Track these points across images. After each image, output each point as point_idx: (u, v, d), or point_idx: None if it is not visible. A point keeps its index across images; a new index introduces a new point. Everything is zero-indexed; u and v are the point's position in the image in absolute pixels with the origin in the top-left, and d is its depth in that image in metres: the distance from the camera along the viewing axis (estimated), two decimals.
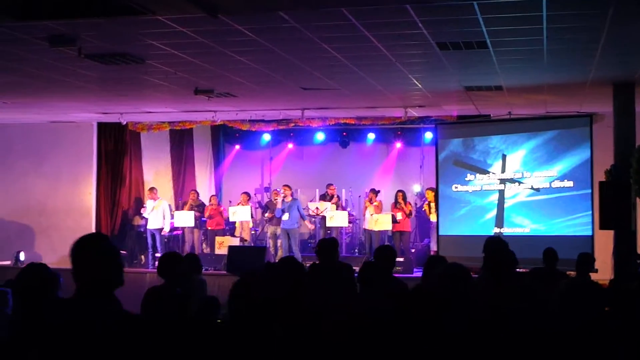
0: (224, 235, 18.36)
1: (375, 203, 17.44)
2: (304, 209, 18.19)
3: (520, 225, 15.36)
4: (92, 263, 3.88)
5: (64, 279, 6.19)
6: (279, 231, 17.63)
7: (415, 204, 18.77)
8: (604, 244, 13.31)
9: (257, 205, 20.30)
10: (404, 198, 17.49)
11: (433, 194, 17.03)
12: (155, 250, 17.81)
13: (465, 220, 16.01)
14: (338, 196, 18.66)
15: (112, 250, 3.96)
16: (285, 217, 17.17)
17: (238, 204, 18.69)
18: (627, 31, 8.94)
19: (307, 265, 9.67)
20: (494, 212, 15.74)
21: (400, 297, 6.68)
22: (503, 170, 15.63)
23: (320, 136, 20.06)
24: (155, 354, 4.12)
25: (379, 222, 17.23)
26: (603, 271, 12.06)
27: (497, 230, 15.45)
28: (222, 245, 17.50)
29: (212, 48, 9.74)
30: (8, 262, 17.28)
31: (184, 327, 5.04)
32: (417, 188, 20.19)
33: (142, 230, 19.17)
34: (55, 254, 17.91)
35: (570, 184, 14.83)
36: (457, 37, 9.21)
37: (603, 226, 12.29)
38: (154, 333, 4.39)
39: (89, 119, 18.20)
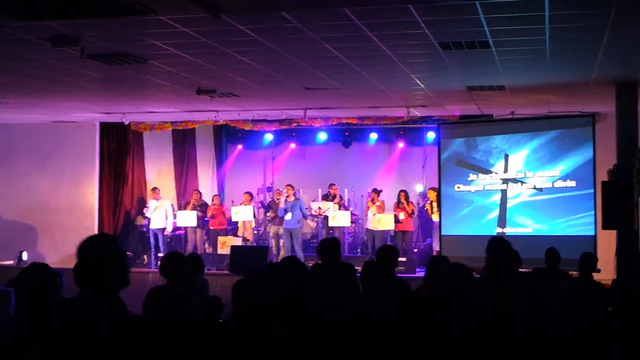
0: (226, 235, 18.36)
1: (377, 203, 17.43)
2: (306, 208, 18.20)
3: (522, 225, 15.36)
4: (98, 263, 3.89)
5: (66, 278, 6.21)
6: (281, 231, 17.63)
7: (418, 203, 18.76)
8: (607, 244, 13.30)
9: (260, 205, 20.29)
10: (406, 198, 17.47)
11: (435, 193, 17.03)
12: (157, 250, 17.81)
13: (468, 220, 16.01)
14: (340, 196, 18.65)
15: (118, 252, 3.97)
16: (288, 216, 17.17)
17: (240, 204, 18.69)
18: (629, 31, 8.93)
19: (310, 265, 9.68)
20: (496, 212, 15.74)
21: (403, 296, 6.69)
22: (505, 170, 15.63)
23: (322, 136, 20.05)
24: (158, 355, 4.12)
25: (382, 222, 17.23)
26: (605, 271, 12.05)
27: (499, 230, 15.45)
28: (225, 245, 17.50)
29: (214, 48, 9.74)
30: (11, 262, 17.31)
31: (186, 327, 5.05)
32: (419, 188, 20.18)
33: (144, 230, 19.17)
34: (58, 253, 17.95)
35: (572, 183, 14.83)
36: (460, 37, 9.21)
37: (606, 226, 12.29)
38: (157, 333, 4.39)
39: (91, 118, 18.22)
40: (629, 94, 12.69)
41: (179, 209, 19.18)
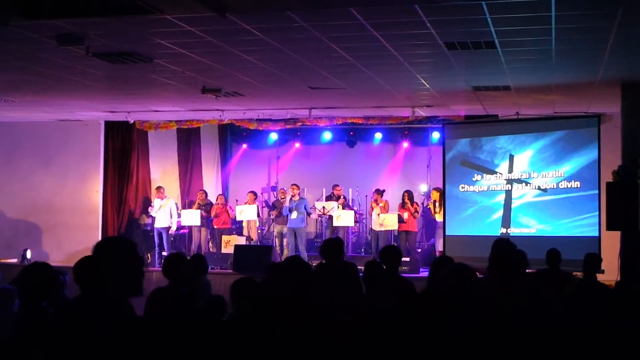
0: (230, 234, 18.36)
1: (381, 204, 17.41)
2: (311, 207, 18.20)
3: (527, 226, 15.35)
4: (113, 264, 3.88)
5: (70, 277, 6.21)
6: (285, 230, 17.65)
7: (422, 203, 18.75)
8: (611, 245, 13.29)
9: (264, 205, 20.31)
10: (410, 198, 17.47)
11: (439, 193, 17.01)
12: (162, 249, 17.83)
13: (472, 220, 16.00)
14: (344, 197, 18.65)
15: (137, 257, 3.97)
16: (294, 215, 17.19)
17: (245, 203, 18.70)
18: (636, 31, 8.91)
19: (314, 264, 9.67)
20: (500, 213, 15.73)
21: (407, 296, 6.68)
22: (510, 171, 15.62)
23: (327, 135, 20.07)
24: (162, 355, 4.13)
25: (385, 222, 17.22)
26: (609, 272, 12.03)
27: (503, 230, 15.44)
28: (229, 244, 17.52)
29: (220, 47, 9.75)
30: (15, 260, 17.32)
31: (190, 326, 5.05)
32: (424, 188, 20.18)
33: (148, 228, 19.19)
34: (62, 251, 17.98)
35: (577, 184, 14.81)
36: (466, 37, 9.20)
37: (610, 227, 12.27)
38: (160, 334, 4.40)
39: (96, 117, 18.23)
40: (635, 94, 12.67)
41: (183, 207, 19.19)
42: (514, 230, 15.31)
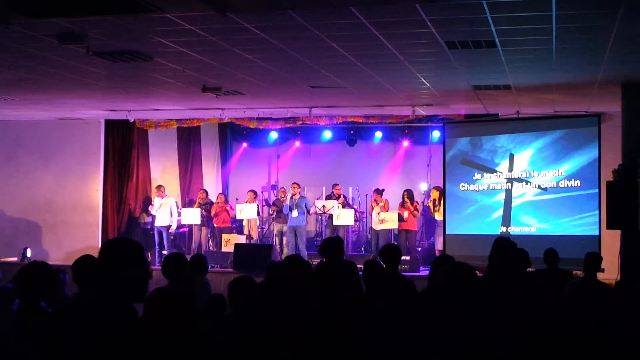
0: (230, 233, 18.37)
1: (381, 203, 17.41)
2: (311, 206, 18.22)
3: (527, 225, 15.36)
4: (124, 268, 3.87)
5: (69, 275, 6.22)
6: (285, 228, 17.66)
7: (423, 202, 18.76)
8: (611, 244, 13.30)
9: (264, 203, 20.32)
10: (410, 197, 17.47)
11: (438, 192, 17.01)
12: (162, 247, 17.84)
13: (472, 219, 16.01)
14: (344, 196, 18.65)
15: (144, 261, 3.98)
16: (295, 213, 17.20)
17: (245, 202, 18.70)
18: (636, 31, 8.91)
19: (314, 263, 9.67)
20: (500, 212, 15.74)
21: (407, 295, 6.69)
22: (510, 170, 15.62)
23: (327, 134, 20.07)
24: (160, 355, 4.12)
25: (386, 220, 17.22)
26: (610, 271, 12.04)
27: (503, 229, 15.45)
28: (229, 242, 17.53)
29: (220, 46, 9.74)
30: (15, 259, 17.32)
31: (189, 326, 5.05)
32: (424, 187, 20.19)
33: (148, 227, 19.20)
34: (62, 250, 17.99)
35: (577, 183, 14.82)
36: (466, 36, 9.20)
37: (610, 226, 12.27)
38: (158, 334, 4.39)
39: (96, 116, 18.23)
40: (635, 94, 12.67)
41: (184, 206, 19.19)
42: (514, 229, 15.32)
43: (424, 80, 12.49)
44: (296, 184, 17.67)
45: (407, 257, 15.80)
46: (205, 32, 8.97)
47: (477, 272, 5.24)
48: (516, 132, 15.79)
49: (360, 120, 18.13)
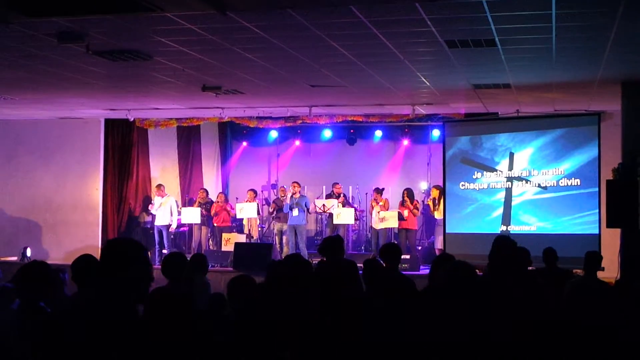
0: (231, 232, 18.36)
1: (381, 202, 17.41)
2: (311, 205, 18.24)
3: (527, 224, 15.36)
4: (129, 265, 3.87)
5: (69, 275, 6.22)
6: (285, 227, 17.66)
7: (423, 201, 18.76)
8: (611, 243, 13.30)
9: (264, 202, 20.32)
10: (410, 196, 17.46)
11: (438, 191, 17.01)
12: (162, 246, 17.83)
13: (472, 218, 16.01)
14: (344, 195, 18.66)
15: (146, 259, 3.98)
16: (295, 212, 17.20)
17: (245, 201, 18.69)
18: (636, 30, 8.91)
19: (314, 262, 9.66)
20: (500, 210, 15.74)
21: (407, 294, 6.69)
22: (510, 168, 15.62)
23: (327, 133, 20.05)
24: (159, 355, 4.12)
25: (385, 219, 17.22)
26: (610, 270, 12.04)
27: (503, 228, 15.45)
28: (229, 242, 17.53)
29: (220, 45, 9.74)
30: (15, 258, 17.32)
31: (189, 325, 5.05)
32: (424, 186, 20.18)
33: (148, 226, 19.21)
34: (62, 249, 17.98)
35: (577, 182, 14.82)
36: (466, 35, 9.20)
37: (610, 224, 12.28)
38: (158, 334, 4.39)
39: (96, 115, 18.22)
40: (635, 92, 12.67)
41: (184, 205, 19.19)
42: (514, 228, 15.32)
43: (424, 79, 12.49)
44: (296, 182, 17.66)
45: (407, 256, 15.80)
46: (205, 31, 8.97)
47: (477, 271, 5.24)
48: (516, 130, 15.79)
49: (360, 119, 18.12)
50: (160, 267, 7.60)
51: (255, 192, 19.04)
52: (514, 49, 10.02)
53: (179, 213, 18.42)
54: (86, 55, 10.05)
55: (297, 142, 21.30)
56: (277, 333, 4.68)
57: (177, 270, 7.44)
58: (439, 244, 16.76)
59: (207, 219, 18.60)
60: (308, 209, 17.61)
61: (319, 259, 9.11)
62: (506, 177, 15.68)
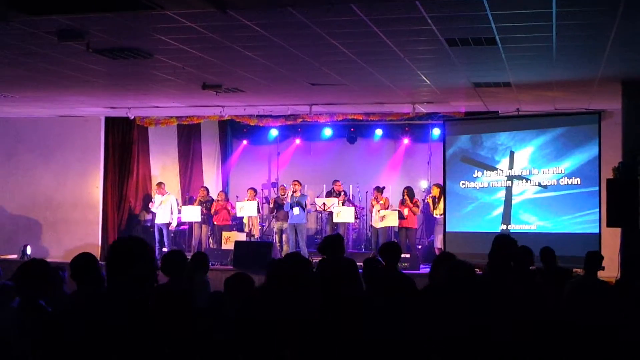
0: (231, 230, 18.36)
1: (381, 201, 17.41)
2: (311, 204, 18.23)
3: (527, 223, 15.36)
4: (134, 263, 3.87)
5: (68, 273, 6.22)
6: (285, 226, 17.66)
7: (423, 200, 18.76)
8: (611, 242, 13.30)
9: (264, 201, 20.32)
10: (410, 194, 17.46)
11: (439, 190, 17.00)
12: (162, 245, 17.83)
13: (472, 216, 16.01)
14: (345, 192, 18.66)
15: (151, 257, 3.98)
16: (296, 211, 17.19)
17: (245, 200, 18.68)
18: (637, 28, 8.90)
19: (314, 261, 9.66)
20: (501, 209, 15.74)
21: (406, 293, 6.69)
22: (511, 167, 15.62)
23: (327, 132, 20.04)
24: (159, 353, 4.12)
25: (386, 218, 17.22)
26: (610, 269, 12.03)
27: (504, 227, 15.45)
28: (229, 240, 17.52)
29: (220, 43, 9.74)
30: (15, 256, 17.32)
31: (189, 324, 5.05)
32: (424, 184, 20.18)
33: (148, 224, 19.21)
34: (62, 248, 17.98)
35: (577, 181, 14.81)
36: (466, 33, 9.20)
37: (610, 223, 12.27)
38: (157, 332, 4.39)
39: (96, 113, 18.22)
40: (636, 91, 12.66)
41: (184, 204, 19.19)
42: (514, 227, 15.32)
43: (424, 78, 12.49)
44: (297, 181, 17.65)
45: (408, 255, 15.79)
46: (206, 29, 8.96)
47: (476, 269, 5.24)
48: (516, 129, 15.79)
49: (361, 118, 18.11)
50: (160, 265, 7.59)
51: (255, 190, 19.04)
52: (515, 48, 10.02)
53: (179, 211, 18.43)
54: (86, 53, 10.04)
55: (298, 141, 21.28)
56: (276, 331, 4.67)
57: (177, 268, 7.43)
58: (438, 243, 16.76)
59: (207, 217, 18.60)
60: (304, 207, 17.54)
61: (320, 258, 9.10)
62: (506, 175, 15.68)
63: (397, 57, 10.59)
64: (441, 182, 16.85)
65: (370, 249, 17.75)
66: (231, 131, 22.05)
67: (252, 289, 6.31)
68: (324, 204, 18.17)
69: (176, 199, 18.76)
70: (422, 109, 16.50)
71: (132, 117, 17.96)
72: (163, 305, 4.74)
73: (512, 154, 15.63)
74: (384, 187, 17.94)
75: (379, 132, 19.97)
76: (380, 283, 6.97)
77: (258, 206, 18.74)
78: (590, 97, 14.39)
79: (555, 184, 15.09)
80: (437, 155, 18.64)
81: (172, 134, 20.69)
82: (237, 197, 19.72)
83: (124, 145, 19.21)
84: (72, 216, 18.89)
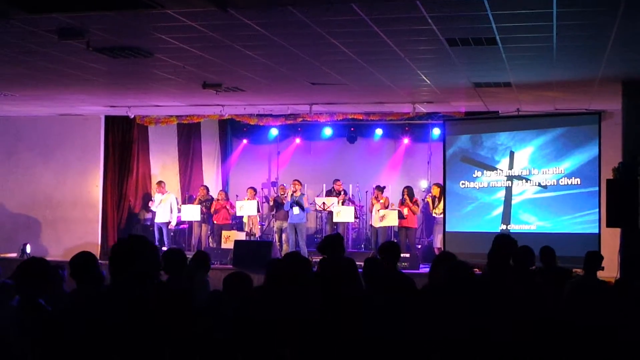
0: (231, 229, 18.36)
1: (381, 200, 17.41)
2: (310, 204, 18.23)
3: (527, 223, 15.35)
4: (135, 261, 3.87)
5: (67, 271, 6.21)
6: (285, 225, 17.65)
7: (423, 199, 18.76)
8: (611, 242, 13.29)
9: (264, 200, 20.32)
10: (410, 194, 17.46)
11: (439, 189, 17.00)
12: (162, 244, 17.83)
13: (472, 216, 16.00)
14: (345, 191, 18.65)
15: (152, 254, 3.99)
16: (296, 210, 17.19)
17: (245, 199, 18.68)
18: (637, 28, 8.90)
19: (314, 260, 9.65)
20: (500, 209, 15.73)
21: (406, 292, 6.68)
22: (511, 167, 15.61)
23: (327, 131, 20.04)
24: (159, 350, 4.12)
25: (385, 218, 17.21)
26: (609, 269, 12.03)
27: (503, 227, 15.44)
28: (229, 239, 17.51)
29: (221, 42, 9.73)
30: (14, 255, 17.32)
31: (189, 322, 5.04)
32: (424, 184, 20.19)
33: (148, 223, 19.21)
34: (61, 246, 17.97)
35: (577, 181, 14.80)
36: (467, 33, 9.19)
37: (610, 224, 12.27)
38: (157, 330, 4.39)
39: (96, 112, 18.21)
40: (636, 92, 12.65)
41: (184, 202, 19.19)
42: (514, 227, 15.31)
43: (425, 78, 12.49)
44: (297, 180, 17.65)
45: (407, 255, 15.80)
46: (206, 28, 8.96)
47: (476, 269, 5.24)
48: (516, 129, 15.78)
49: (361, 117, 18.11)
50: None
51: (255, 190, 19.03)
52: (515, 48, 10.01)
53: (179, 210, 18.43)
54: (86, 51, 10.04)
55: (298, 140, 21.27)
56: (276, 330, 4.67)
57: (177, 267, 7.42)
58: (437, 243, 16.76)
59: (207, 216, 18.60)
60: (302, 207, 17.50)
61: (319, 257, 9.09)
62: (506, 175, 15.67)
63: (397, 56, 10.59)
64: (441, 182, 16.84)
65: (370, 248, 17.75)
66: (231, 130, 22.05)
67: (251, 287, 6.30)
68: (323, 203, 18.17)
69: (176, 198, 18.76)
70: (422, 108, 16.50)
71: (132, 116, 17.96)
72: (163, 304, 4.73)
73: (512, 154, 15.63)
74: (384, 187, 17.94)
75: (379, 131, 19.96)
76: (380, 282, 6.96)
77: (258, 205, 18.74)
78: (590, 97, 14.39)
79: (555, 184, 15.09)
80: (437, 155, 18.64)
81: (172, 133, 20.69)
82: (237, 196, 19.71)
83: (124, 144, 19.21)
84: (72, 215, 18.89)
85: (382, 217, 17.20)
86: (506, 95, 14.28)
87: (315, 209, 18.68)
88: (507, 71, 11.73)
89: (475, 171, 15.99)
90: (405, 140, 20.32)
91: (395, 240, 16.25)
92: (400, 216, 17.14)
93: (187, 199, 19.55)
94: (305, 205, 17.57)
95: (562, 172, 14.99)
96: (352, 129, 20.16)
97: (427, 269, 7.67)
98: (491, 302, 5.40)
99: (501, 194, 15.72)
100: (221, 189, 20.21)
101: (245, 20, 8.50)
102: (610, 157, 13.47)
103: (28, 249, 17.12)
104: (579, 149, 14.81)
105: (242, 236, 17.87)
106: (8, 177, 19.32)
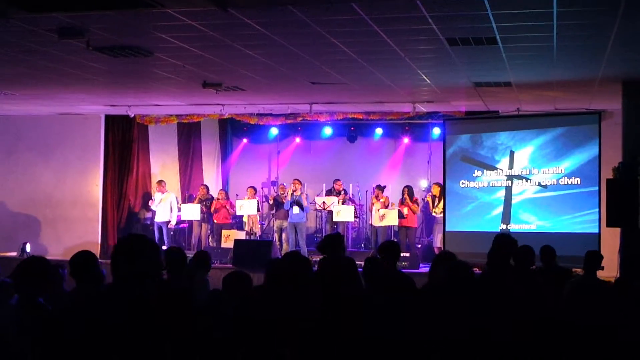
0: (231, 229, 18.36)
1: (382, 199, 17.41)
2: (310, 203, 18.23)
3: (527, 222, 15.35)
4: (135, 260, 3.87)
5: (67, 270, 6.21)
6: (285, 225, 17.64)
7: (423, 199, 18.76)
8: (611, 242, 13.29)
9: (264, 199, 20.31)
10: (410, 193, 17.46)
11: (439, 188, 17.00)
12: (162, 243, 17.82)
13: (472, 216, 16.00)
14: (345, 191, 18.65)
15: (153, 253, 3.99)
16: (296, 210, 17.18)
17: (245, 198, 18.67)
18: (637, 28, 8.90)
19: (314, 259, 9.64)
20: (500, 209, 15.72)
21: (406, 292, 6.68)
22: (511, 167, 15.61)
23: (328, 131, 20.03)
24: (158, 349, 4.12)
25: (386, 217, 17.21)
26: (609, 269, 12.03)
27: (503, 226, 15.44)
28: (229, 238, 17.51)
29: (221, 41, 9.73)
30: (14, 253, 17.32)
31: (187, 322, 5.05)
32: (424, 184, 20.19)
33: (148, 222, 19.20)
34: (61, 245, 17.96)
35: (577, 181, 14.80)
36: (467, 32, 9.19)
37: (610, 223, 12.27)
38: (157, 329, 4.39)
39: (96, 111, 18.21)
40: (636, 91, 12.66)
41: (184, 202, 19.19)
42: (514, 227, 15.31)
43: (425, 77, 12.48)
44: (297, 180, 17.65)
45: (407, 254, 15.80)
46: (206, 27, 8.96)
47: (476, 269, 5.24)
48: (516, 129, 15.78)
49: (361, 117, 18.10)
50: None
51: (255, 189, 19.03)
52: (515, 47, 10.01)
53: (179, 209, 18.43)
54: (86, 51, 10.04)
55: (298, 139, 21.27)
56: (276, 330, 4.67)
57: (177, 266, 7.42)
58: (437, 242, 16.76)
59: (207, 215, 18.60)
60: (301, 206, 17.47)
61: (319, 257, 9.08)
62: (506, 175, 15.67)
63: (397, 56, 10.59)
64: (441, 181, 16.84)
65: (370, 247, 17.75)
66: (231, 129, 22.05)
67: (251, 287, 6.30)
68: (323, 202, 18.17)
69: (176, 197, 18.76)
70: (422, 108, 16.50)
71: (132, 115, 17.95)
72: (163, 303, 4.73)
73: (512, 154, 15.63)
74: (384, 186, 17.94)
75: (379, 131, 19.95)
76: (380, 282, 6.96)
77: (258, 205, 18.73)
78: (590, 97, 14.39)
79: (555, 183, 15.08)
80: (437, 154, 18.64)
81: (172, 132, 20.69)
82: (237, 195, 19.71)
83: (124, 143, 19.20)
84: (72, 214, 18.89)
85: (382, 217, 17.20)
86: (506, 94, 14.28)
87: (315, 209, 18.67)
88: (507, 71, 11.73)
89: (475, 171, 15.99)
90: (406, 140, 20.32)
91: (395, 240, 16.24)
92: (400, 215, 17.14)
93: (187, 198, 19.55)
94: (305, 204, 17.59)
95: (562, 171, 14.99)
96: (352, 128, 20.16)
97: (427, 269, 7.67)
98: (491, 302, 5.40)
99: (501, 194, 15.72)
100: (221, 188, 20.20)
101: (245, 19, 8.50)
102: (610, 157, 13.47)
103: (28, 247, 17.11)
104: (579, 149, 14.81)
105: (242, 235, 17.86)
106: (8, 176, 19.31)
